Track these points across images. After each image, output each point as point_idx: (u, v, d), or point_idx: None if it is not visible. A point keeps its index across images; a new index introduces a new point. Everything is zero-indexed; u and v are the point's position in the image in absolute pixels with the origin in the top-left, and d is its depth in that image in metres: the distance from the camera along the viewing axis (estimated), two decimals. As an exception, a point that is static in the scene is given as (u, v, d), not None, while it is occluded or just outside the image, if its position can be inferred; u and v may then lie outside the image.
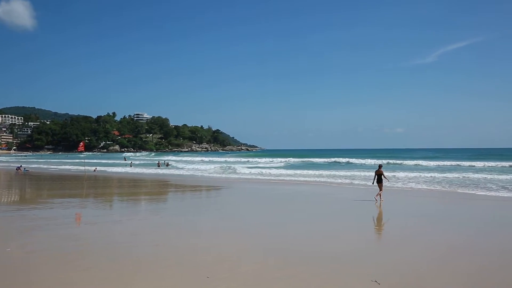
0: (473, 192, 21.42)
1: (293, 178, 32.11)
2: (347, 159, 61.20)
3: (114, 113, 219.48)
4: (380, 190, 17.69)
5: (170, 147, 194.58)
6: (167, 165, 54.37)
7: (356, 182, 27.57)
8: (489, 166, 42.84)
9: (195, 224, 12.47)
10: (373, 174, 18.81)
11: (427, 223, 12.75)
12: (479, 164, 45.22)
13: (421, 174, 32.92)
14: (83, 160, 41.53)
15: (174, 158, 78.97)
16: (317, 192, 22.52)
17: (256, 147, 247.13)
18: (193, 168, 48.10)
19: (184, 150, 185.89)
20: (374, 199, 17.55)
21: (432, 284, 6.71)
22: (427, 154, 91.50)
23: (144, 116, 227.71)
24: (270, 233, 10.99)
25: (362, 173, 33.98)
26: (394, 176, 30.16)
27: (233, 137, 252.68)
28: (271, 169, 43.97)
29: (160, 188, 26.78)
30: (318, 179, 30.45)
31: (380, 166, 18.56)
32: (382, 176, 17.86)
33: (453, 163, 48.93)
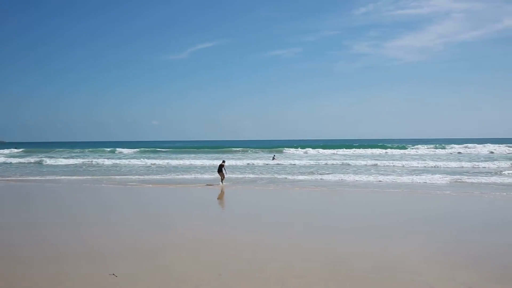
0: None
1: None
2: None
3: None
4: (222, 177, 22.79)
5: None
6: None
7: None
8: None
9: None
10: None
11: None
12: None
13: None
14: None
15: None
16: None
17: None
18: None
19: None
20: (219, 183, 22.37)
21: (173, 269, 7.30)
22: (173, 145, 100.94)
23: None
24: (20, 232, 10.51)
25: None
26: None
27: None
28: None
29: None
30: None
31: (223, 161, 23.80)
32: (223, 167, 23.00)
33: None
